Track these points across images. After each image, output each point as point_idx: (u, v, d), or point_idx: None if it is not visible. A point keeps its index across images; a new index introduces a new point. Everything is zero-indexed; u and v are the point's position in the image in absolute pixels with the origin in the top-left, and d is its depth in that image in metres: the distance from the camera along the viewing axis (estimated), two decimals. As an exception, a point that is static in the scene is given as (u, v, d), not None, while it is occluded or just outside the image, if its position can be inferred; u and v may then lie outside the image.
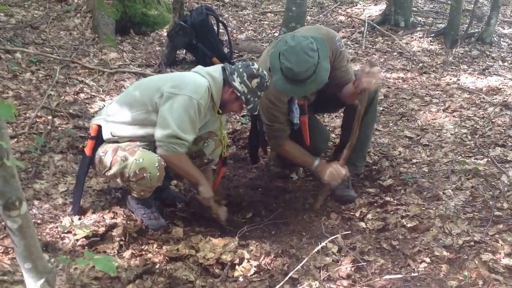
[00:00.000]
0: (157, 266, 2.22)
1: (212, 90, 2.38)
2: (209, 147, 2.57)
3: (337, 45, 2.63)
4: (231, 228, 2.61)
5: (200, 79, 2.37)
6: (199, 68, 2.49)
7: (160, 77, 2.56)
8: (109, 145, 2.40)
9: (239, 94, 2.40)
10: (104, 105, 3.64)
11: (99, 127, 2.41)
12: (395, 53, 5.54)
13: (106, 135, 2.41)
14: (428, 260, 2.30)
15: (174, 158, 2.33)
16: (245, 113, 3.99)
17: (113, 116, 2.40)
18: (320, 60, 2.40)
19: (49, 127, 3.21)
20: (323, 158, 3.36)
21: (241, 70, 2.41)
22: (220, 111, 2.49)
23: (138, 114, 2.36)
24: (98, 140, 2.42)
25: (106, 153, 2.38)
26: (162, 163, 2.31)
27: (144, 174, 2.28)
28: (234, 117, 3.94)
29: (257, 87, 2.41)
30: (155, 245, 2.38)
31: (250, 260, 2.29)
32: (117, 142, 2.40)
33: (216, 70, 2.44)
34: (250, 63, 2.45)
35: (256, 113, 2.56)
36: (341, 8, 7.09)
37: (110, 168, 2.35)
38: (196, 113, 2.30)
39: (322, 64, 2.42)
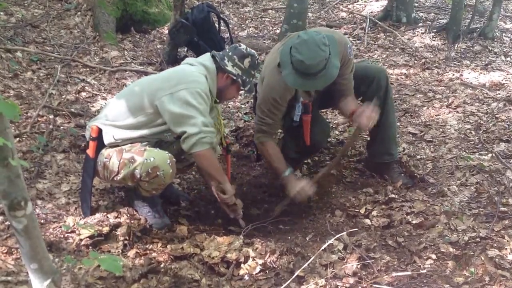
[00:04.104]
0: (162, 265, 2.21)
1: (208, 80, 2.37)
2: (219, 123, 2.57)
3: (348, 52, 2.65)
4: (238, 229, 2.58)
5: (196, 70, 2.36)
6: (191, 59, 2.47)
7: (158, 76, 2.51)
8: (111, 150, 2.37)
9: (234, 78, 2.40)
10: (105, 103, 3.62)
11: (100, 129, 2.39)
12: (397, 49, 5.52)
13: (107, 139, 2.38)
14: (434, 256, 2.29)
15: (209, 152, 2.32)
16: (247, 111, 3.97)
17: (114, 121, 2.38)
18: (331, 56, 2.42)
19: (51, 127, 3.19)
20: (324, 154, 3.37)
21: (230, 53, 2.40)
22: (218, 100, 2.48)
23: (141, 117, 2.35)
24: (100, 140, 2.39)
25: (110, 158, 2.34)
26: (173, 159, 2.30)
27: (158, 173, 2.26)
28: (236, 114, 3.92)
29: (249, 66, 2.41)
30: (159, 244, 2.37)
31: (255, 258, 2.28)
32: (117, 145, 2.38)
33: (206, 59, 2.43)
34: (237, 45, 2.44)
35: (254, 93, 2.55)
36: (342, 4, 7.06)
37: (118, 172, 2.31)
38: (206, 101, 2.31)
39: (332, 60, 2.44)
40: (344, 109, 2.80)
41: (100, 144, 2.39)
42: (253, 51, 2.45)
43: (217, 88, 2.44)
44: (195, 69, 2.37)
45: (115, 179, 2.36)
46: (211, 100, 2.44)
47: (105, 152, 2.38)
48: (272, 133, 2.76)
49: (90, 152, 2.40)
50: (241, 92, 2.55)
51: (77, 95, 3.74)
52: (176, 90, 2.26)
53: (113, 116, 2.39)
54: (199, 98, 2.27)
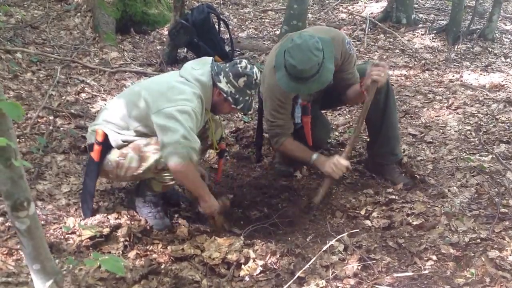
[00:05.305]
0: (162, 266, 2.21)
1: (202, 96, 2.35)
2: (210, 129, 2.57)
3: (347, 47, 2.65)
4: (237, 230, 2.59)
5: (190, 88, 2.31)
6: (187, 72, 2.38)
7: (155, 86, 2.40)
8: (123, 149, 2.35)
9: (225, 95, 2.36)
10: (105, 104, 3.61)
11: (106, 133, 2.36)
12: (397, 50, 5.52)
13: (115, 142, 2.36)
14: (434, 258, 2.29)
15: (189, 167, 2.24)
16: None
17: (122, 129, 2.36)
18: (325, 60, 2.42)
19: (50, 128, 3.19)
20: (325, 154, 3.37)
21: (227, 69, 2.36)
22: (211, 114, 2.48)
23: (141, 128, 2.34)
24: (106, 145, 2.37)
25: (126, 155, 2.33)
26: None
27: None
28: (236, 115, 3.92)
29: (245, 85, 2.35)
30: (160, 245, 2.37)
31: (255, 260, 2.28)
32: (126, 146, 2.37)
33: (204, 73, 2.37)
34: (237, 61, 2.39)
35: (249, 112, 2.55)
36: (342, 5, 7.06)
37: (139, 166, 2.31)
38: (194, 119, 2.25)
39: (326, 64, 2.44)
40: (351, 92, 2.76)
41: (105, 148, 2.37)
42: (253, 70, 2.36)
43: (212, 102, 2.42)
44: (189, 87, 2.31)
45: (134, 174, 2.35)
46: (207, 114, 2.44)
47: (116, 152, 2.36)
48: (287, 133, 2.75)
49: (94, 155, 2.37)
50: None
51: (77, 96, 3.74)
52: (164, 107, 2.22)
53: (122, 125, 2.36)
54: (185, 115, 2.21)
